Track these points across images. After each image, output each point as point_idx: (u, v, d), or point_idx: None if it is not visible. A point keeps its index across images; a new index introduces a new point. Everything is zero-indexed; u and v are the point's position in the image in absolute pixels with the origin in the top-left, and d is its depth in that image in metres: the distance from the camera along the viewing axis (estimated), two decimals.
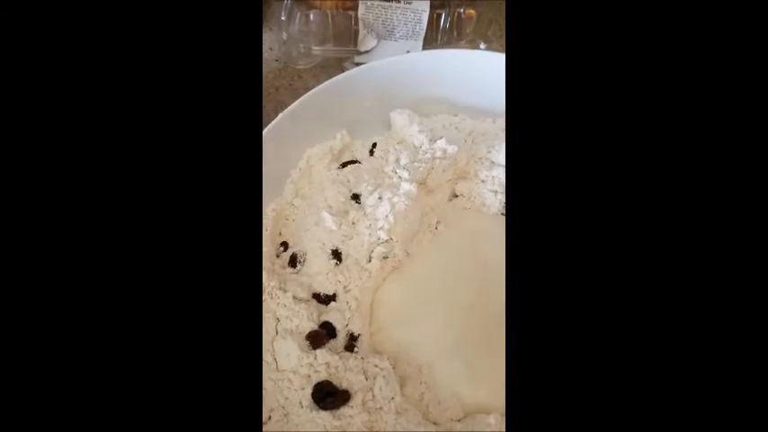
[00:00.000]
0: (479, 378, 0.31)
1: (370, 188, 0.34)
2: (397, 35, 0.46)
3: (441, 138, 0.36)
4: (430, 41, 0.47)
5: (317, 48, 0.46)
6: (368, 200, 0.33)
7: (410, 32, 0.46)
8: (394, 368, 0.31)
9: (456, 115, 0.40)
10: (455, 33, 0.48)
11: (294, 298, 0.31)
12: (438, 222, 0.36)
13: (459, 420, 0.30)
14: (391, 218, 0.33)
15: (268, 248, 0.33)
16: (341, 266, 0.32)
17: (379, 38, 0.46)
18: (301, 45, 0.45)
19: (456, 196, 0.37)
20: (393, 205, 0.33)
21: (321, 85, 0.35)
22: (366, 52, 0.45)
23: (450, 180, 0.37)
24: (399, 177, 0.34)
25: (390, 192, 0.34)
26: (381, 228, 0.33)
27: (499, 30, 0.54)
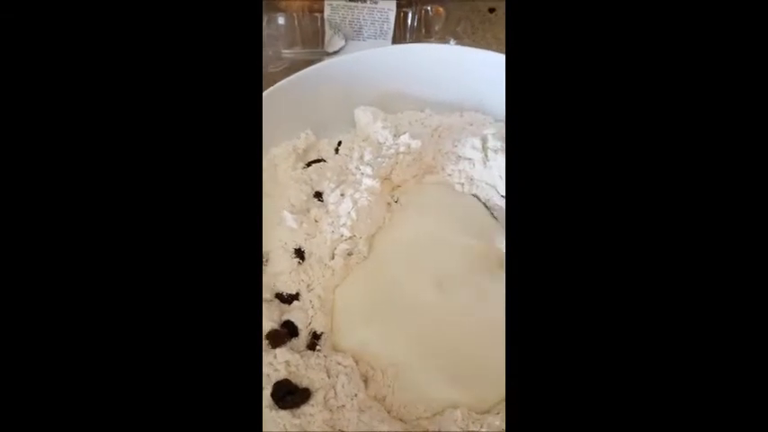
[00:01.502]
0: (446, 375, 0.30)
1: (332, 185, 0.33)
2: (365, 35, 0.46)
3: (405, 133, 0.36)
4: (399, 40, 0.47)
5: (286, 51, 0.46)
6: (330, 197, 0.33)
7: (378, 32, 0.46)
8: (357, 365, 0.30)
9: (422, 111, 0.40)
10: (423, 31, 0.48)
11: None
12: (397, 199, 0.35)
13: (427, 418, 0.30)
14: (354, 214, 0.33)
15: None
16: (304, 265, 0.32)
17: (348, 38, 0.46)
18: (270, 49, 0.45)
19: None
20: (355, 202, 0.33)
21: (279, 83, 0.35)
22: (335, 53, 0.45)
23: (416, 175, 0.37)
24: (362, 173, 0.34)
25: (353, 188, 0.33)
26: (344, 224, 0.32)
27: (470, 26, 0.54)
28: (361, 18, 0.45)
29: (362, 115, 0.37)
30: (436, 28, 0.50)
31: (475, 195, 0.37)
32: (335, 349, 0.31)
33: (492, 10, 0.56)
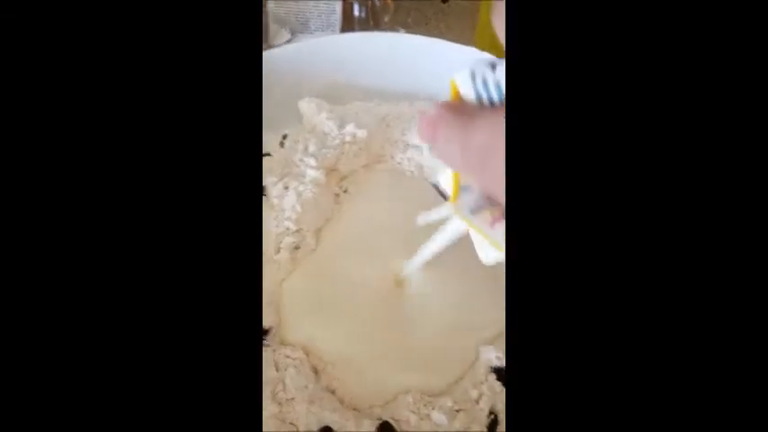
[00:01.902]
0: (397, 364, 0.30)
1: (275, 179, 0.33)
2: (312, 28, 0.46)
3: (350, 123, 0.36)
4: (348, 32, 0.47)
5: None
6: (273, 191, 0.33)
7: (325, 24, 0.46)
8: (308, 357, 0.30)
9: (371, 101, 0.39)
10: (372, 23, 0.48)
11: None
12: (346, 189, 0.35)
13: (380, 406, 0.30)
14: (298, 207, 0.32)
15: None
16: None
17: (294, 32, 0.45)
18: None
19: None
20: (300, 194, 0.32)
21: None
22: (280, 47, 0.45)
23: (365, 165, 0.37)
24: (306, 165, 0.34)
25: (296, 181, 0.33)
26: (288, 218, 0.32)
27: (422, 17, 0.54)
28: (306, 11, 0.45)
29: (307, 107, 0.37)
30: (386, 19, 0.50)
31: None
32: (284, 343, 0.30)
33: (445, 0, 0.57)
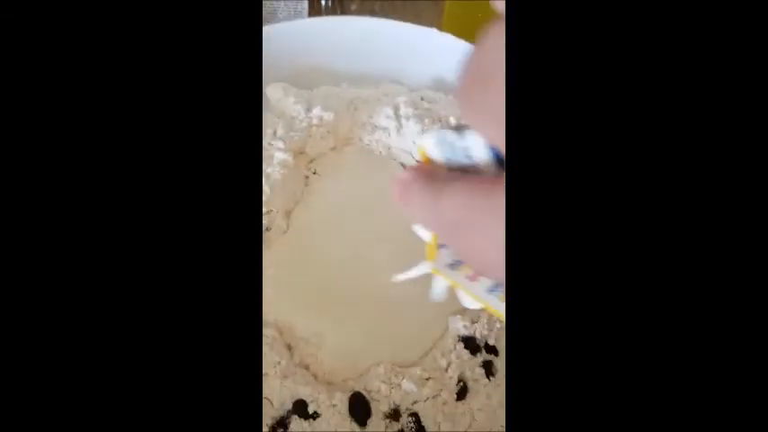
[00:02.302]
0: (369, 338, 0.31)
1: None
2: (281, 17, 0.46)
3: (317, 106, 0.36)
4: None
5: None
6: None
7: (292, 13, 0.46)
8: (281, 335, 0.31)
9: (338, 86, 0.40)
10: (339, 11, 0.49)
11: None
12: (315, 170, 0.36)
13: (353, 379, 0.30)
14: (267, 189, 0.33)
15: None
16: None
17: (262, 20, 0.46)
18: None
19: None
20: (268, 176, 0.33)
21: None
22: None
23: (333, 148, 0.37)
24: (275, 148, 0.34)
25: (265, 163, 0.33)
26: None
27: (389, 5, 0.55)
28: (273, 1, 0.45)
29: (273, 92, 0.37)
30: (353, 8, 0.50)
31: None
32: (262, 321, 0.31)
33: None
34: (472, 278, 0.21)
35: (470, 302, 0.21)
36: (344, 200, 0.35)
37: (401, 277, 0.24)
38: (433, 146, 0.17)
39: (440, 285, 0.22)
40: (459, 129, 0.17)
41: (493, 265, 0.16)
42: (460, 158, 0.17)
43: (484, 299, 0.20)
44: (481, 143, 0.16)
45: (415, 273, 0.24)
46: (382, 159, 0.37)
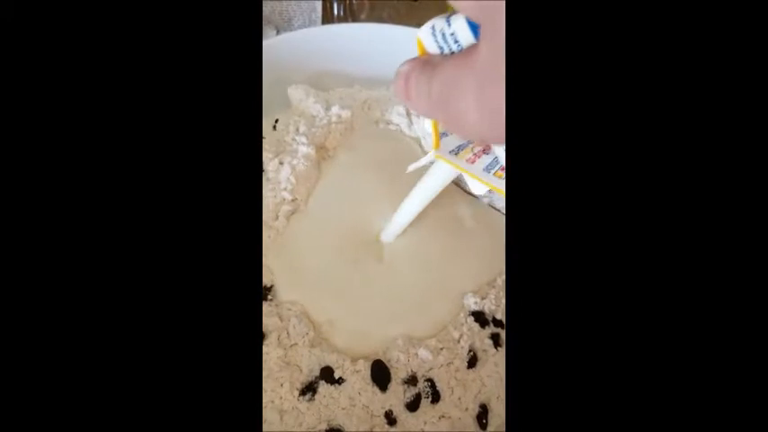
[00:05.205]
0: (386, 316, 0.33)
1: (270, 155, 0.37)
2: (296, 25, 0.50)
3: (335, 105, 0.40)
4: None
5: None
6: (269, 166, 0.36)
7: (307, 21, 0.50)
8: (307, 312, 0.33)
9: (352, 87, 0.43)
10: (350, 20, 0.52)
11: None
12: (335, 148, 0.39)
13: (373, 354, 0.33)
14: (293, 179, 0.36)
15: None
16: None
17: (278, 29, 0.49)
18: None
19: None
20: (293, 167, 0.36)
21: None
22: (268, 39, 0.48)
23: (349, 141, 0.41)
24: (298, 143, 0.37)
25: (290, 156, 0.37)
26: (285, 189, 0.36)
27: (396, 13, 0.59)
28: (290, 9, 0.49)
29: (295, 93, 0.40)
30: (362, 17, 0.54)
31: None
32: (288, 297, 0.34)
33: None
34: (471, 161, 0.24)
35: (477, 188, 0.24)
36: (356, 172, 0.38)
37: (411, 167, 0.27)
38: (427, 35, 0.19)
39: (474, 184, 0.24)
40: (447, 18, 0.19)
41: (473, 123, 0.17)
42: (451, 45, 0.19)
43: (485, 179, 0.23)
44: (464, 25, 0.18)
45: (423, 161, 0.27)
46: (392, 132, 0.40)
